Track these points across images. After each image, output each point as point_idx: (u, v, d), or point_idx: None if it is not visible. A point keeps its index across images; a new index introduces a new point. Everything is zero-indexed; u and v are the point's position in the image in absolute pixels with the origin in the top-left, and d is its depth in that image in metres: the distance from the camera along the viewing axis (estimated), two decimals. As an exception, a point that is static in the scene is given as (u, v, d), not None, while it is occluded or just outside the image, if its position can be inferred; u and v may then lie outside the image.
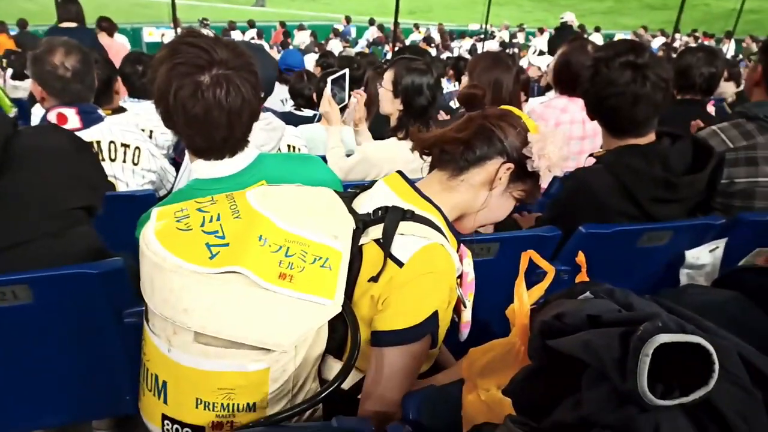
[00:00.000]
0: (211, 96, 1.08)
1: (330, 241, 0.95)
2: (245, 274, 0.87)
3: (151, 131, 2.69)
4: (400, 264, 0.96)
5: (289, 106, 3.81)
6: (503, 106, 1.13)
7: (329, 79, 2.20)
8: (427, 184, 1.10)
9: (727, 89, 7.02)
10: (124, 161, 2.04)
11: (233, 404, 0.91)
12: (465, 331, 1.12)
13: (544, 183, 1.08)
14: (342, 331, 0.99)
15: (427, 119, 1.96)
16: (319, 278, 0.91)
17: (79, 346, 1.36)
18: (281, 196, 1.03)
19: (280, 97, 4.03)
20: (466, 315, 1.11)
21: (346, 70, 2.25)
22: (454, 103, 3.91)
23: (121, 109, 2.63)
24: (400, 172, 1.11)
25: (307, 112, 3.50)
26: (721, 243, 1.66)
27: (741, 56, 13.68)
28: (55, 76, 1.87)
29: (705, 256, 1.65)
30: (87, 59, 1.94)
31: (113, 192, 1.98)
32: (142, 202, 1.72)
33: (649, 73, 1.44)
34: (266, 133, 1.99)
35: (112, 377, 1.43)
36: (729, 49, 14.42)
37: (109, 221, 1.49)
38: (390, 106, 1.97)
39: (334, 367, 1.00)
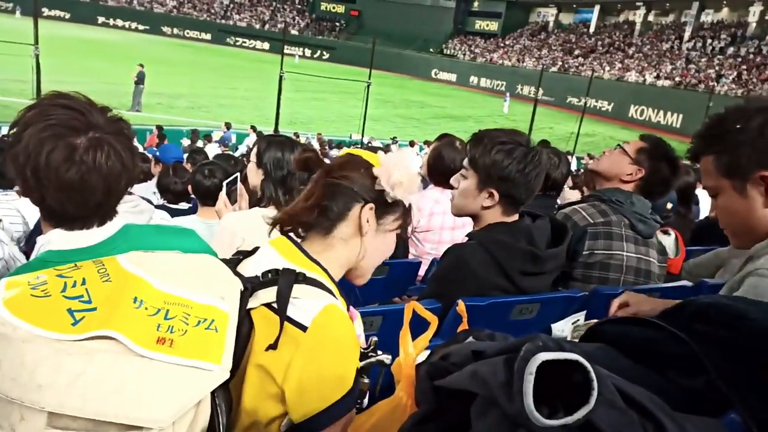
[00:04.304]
0: (91, 159, 1.02)
1: (216, 302, 0.87)
2: (117, 338, 0.75)
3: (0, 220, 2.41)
4: (303, 328, 0.90)
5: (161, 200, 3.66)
6: (346, 151, 1.15)
7: (224, 183, 2.39)
8: (308, 245, 1.08)
9: (572, 196, 7.99)
10: (-38, 247, 1.77)
11: None
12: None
13: (407, 201, 1.10)
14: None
15: (290, 188, 2.04)
16: (203, 341, 0.81)
17: None
18: (158, 259, 0.94)
19: (153, 189, 3.86)
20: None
21: (237, 174, 2.41)
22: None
23: (-31, 199, 2.35)
24: (285, 234, 1.08)
25: (182, 205, 3.38)
26: (581, 316, 1.79)
27: (582, 170, 15.78)
28: None
29: (568, 328, 1.76)
30: None
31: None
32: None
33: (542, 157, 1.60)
34: (133, 216, 1.87)
35: None
36: (572, 164, 16.61)
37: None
38: (255, 177, 2.06)
39: None
